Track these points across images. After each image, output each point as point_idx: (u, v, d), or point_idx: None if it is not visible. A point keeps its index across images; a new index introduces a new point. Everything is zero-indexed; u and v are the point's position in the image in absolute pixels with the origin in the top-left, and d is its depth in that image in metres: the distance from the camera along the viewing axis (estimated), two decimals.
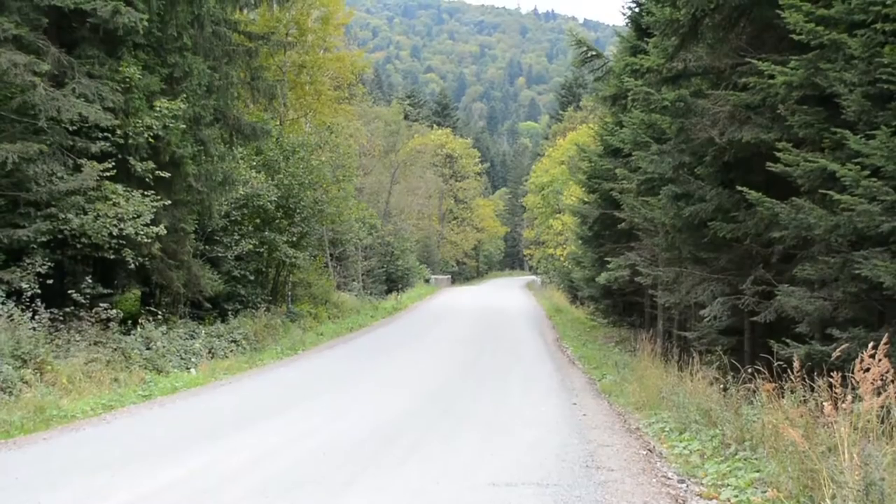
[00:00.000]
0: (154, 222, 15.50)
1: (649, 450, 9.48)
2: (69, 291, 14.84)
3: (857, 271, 8.60)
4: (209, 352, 17.83)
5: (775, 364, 8.74)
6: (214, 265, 21.73)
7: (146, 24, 14.97)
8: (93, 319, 14.68)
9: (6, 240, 13.69)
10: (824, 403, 6.36)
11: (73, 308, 14.63)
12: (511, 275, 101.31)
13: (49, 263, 14.31)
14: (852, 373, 6.17)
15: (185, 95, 16.51)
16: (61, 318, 14.23)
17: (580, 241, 29.12)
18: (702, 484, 7.80)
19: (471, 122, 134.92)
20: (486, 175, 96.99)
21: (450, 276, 74.76)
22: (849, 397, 6.21)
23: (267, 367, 17.86)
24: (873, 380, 5.97)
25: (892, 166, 8.08)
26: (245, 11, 23.46)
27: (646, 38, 16.37)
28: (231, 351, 18.85)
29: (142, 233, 15.11)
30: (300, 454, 9.00)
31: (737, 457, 8.21)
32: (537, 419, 11.40)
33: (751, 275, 11.95)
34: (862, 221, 8.32)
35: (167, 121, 15.73)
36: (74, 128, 14.36)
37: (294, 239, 25.23)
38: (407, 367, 18.19)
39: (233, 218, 22.76)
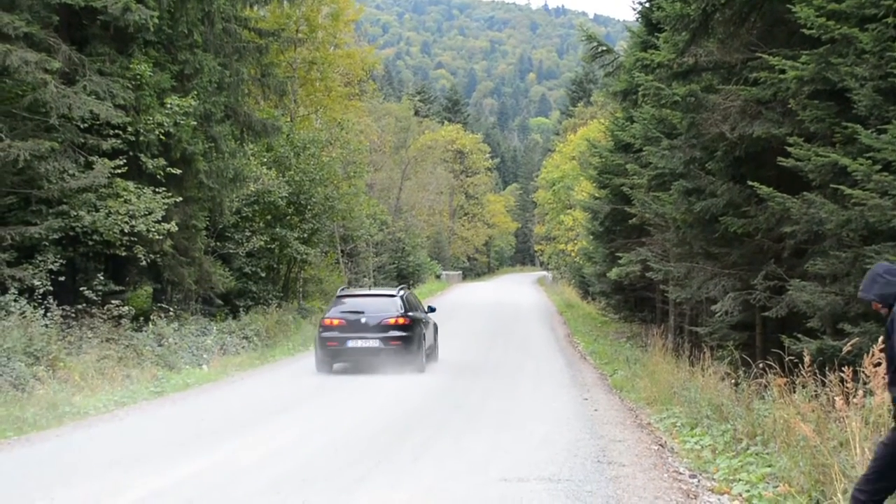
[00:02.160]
0: (165, 219, 15.55)
1: (661, 445, 9.47)
2: (81, 288, 14.92)
3: (868, 266, 8.56)
4: (221, 348, 17.87)
5: (787, 359, 8.74)
6: (226, 262, 21.82)
7: (157, 21, 15.02)
8: (105, 316, 14.75)
9: (18, 237, 13.76)
10: (835, 398, 6.35)
11: (85, 305, 14.71)
12: (522, 270, 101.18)
13: (61, 260, 14.39)
14: (864, 367, 6.16)
15: (195, 92, 16.56)
16: (73, 315, 14.31)
17: (591, 237, 29.09)
18: (713, 479, 7.80)
19: (481, 117, 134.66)
20: (497, 171, 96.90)
21: (461, 272, 74.76)
22: (860, 392, 6.20)
23: (279, 364, 17.93)
24: (884, 374, 5.95)
25: None
26: (255, 8, 23.48)
27: (656, 34, 16.33)
28: (242, 347, 18.91)
29: (153, 230, 15.17)
30: (313, 450, 9.03)
31: (748, 452, 8.20)
32: (549, 414, 11.40)
33: (762, 270, 11.92)
34: (873, 216, 8.29)
35: (178, 118, 15.79)
36: (86, 125, 14.43)
37: (305, 235, 25.24)
38: None
39: (244, 214, 22.83)
